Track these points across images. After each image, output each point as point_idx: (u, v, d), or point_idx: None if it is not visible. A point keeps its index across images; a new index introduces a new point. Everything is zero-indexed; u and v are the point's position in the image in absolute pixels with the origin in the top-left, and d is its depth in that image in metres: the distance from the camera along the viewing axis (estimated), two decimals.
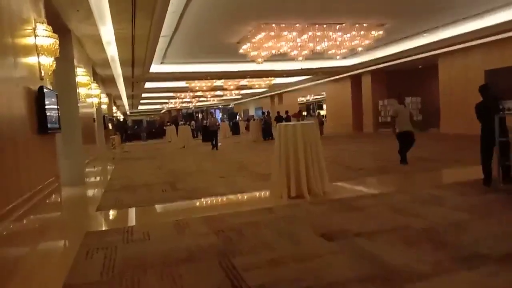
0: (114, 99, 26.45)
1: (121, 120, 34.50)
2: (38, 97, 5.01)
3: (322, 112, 28.64)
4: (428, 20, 13.38)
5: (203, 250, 3.65)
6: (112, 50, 12.60)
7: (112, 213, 5.66)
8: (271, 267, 3.15)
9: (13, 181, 3.82)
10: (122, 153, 18.30)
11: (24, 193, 4.09)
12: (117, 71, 16.08)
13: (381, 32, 12.78)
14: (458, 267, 2.96)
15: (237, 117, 41.73)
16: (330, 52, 14.11)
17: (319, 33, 12.20)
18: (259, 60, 13.81)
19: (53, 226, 4.94)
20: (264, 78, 23.48)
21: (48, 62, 5.42)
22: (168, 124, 31.75)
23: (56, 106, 5.79)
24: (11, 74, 4.18)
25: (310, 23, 11.76)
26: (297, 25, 11.60)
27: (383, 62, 19.13)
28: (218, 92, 30.66)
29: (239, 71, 19.60)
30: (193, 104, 43.43)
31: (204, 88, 24.69)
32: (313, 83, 26.77)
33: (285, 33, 11.81)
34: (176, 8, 9.72)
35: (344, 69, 21.07)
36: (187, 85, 23.57)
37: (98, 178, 9.86)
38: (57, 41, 5.39)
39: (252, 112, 43.43)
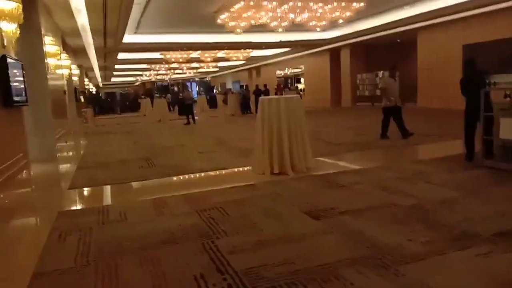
0: (85, 71, 25.44)
1: (94, 92, 33.33)
2: (1, 67, 4.60)
3: (300, 86, 28.45)
4: None
5: (185, 231, 3.46)
6: (82, 18, 11.92)
7: (86, 192, 5.37)
8: (258, 249, 2.99)
9: None
10: (95, 127, 17.69)
11: None
12: (88, 41, 15.32)
13: (362, 4, 12.52)
14: (450, 247, 2.87)
15: (214, 90, 41.05)
16: (310, 24, 13.78)
17: (299, 4, 11.83)
18: (238, 30, 13.36)
19: (22, 206, 4.64)
20: (242, 50, 22.95)
21: (11, 28, 4.96)
22: (143, 97, 30.88)
23: (22, 78, 5.38)
24: None
25: None
26: None
27: (362, 35, 18.93)
28: (195, 64, 29.93)
29: (216, 43, 19.04)
30: (169, 76, 42.40)
31: (180, 60, 23.98)
32: (291, 56, 26.42)
33: (265, 3, 11.40)
34: None
35: (323, 42, 20.79)
36: (162, 56, 22.82)
37: (70, 154, 9.44)
38: (20, 5, 4.92)
39: (229, 85, 42.78)
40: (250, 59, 27.25)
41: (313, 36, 19.61)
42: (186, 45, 19.48)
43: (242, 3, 11.32)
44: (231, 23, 13.00)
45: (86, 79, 27.17)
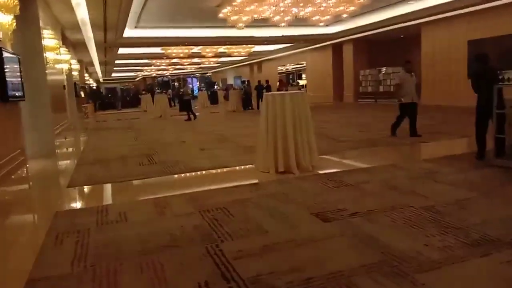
0: (86, 65, 25.23)
1: (94, 88, 33.13)
2: None
3: (302, 82, 28.23)
4: None
5: (187, 234, 3.30)
6: (82, 12, 11.71)
7: (84, 190, 5.20)
8: (265, 254, 2.83)
9: None
10: (96, 122, 17.53)
11: None
12: (89, 35, 15.12)
13: None
14: (469, 253, 2.70)
15: (215, 86, 40.81)
16: (313, 18, 13.56)
17: None
18: (240, 25, 13.14)
19: (19, 205, 4.48)
20: (244, 46, 22.72)
21: (6, 20, 4.77)
22: (144, 92, 30.68)
23: (19, 72, 5.20)
24: None
25: None
26: None
27: (366, 31, 18.71)
28: (196, 60, 29.66)
29: (218, 37, 18.82)
30: (169, 72, 42.16)
31: (181, 55, 23.74)
32: (293, 51, 26.19)
33: None
34: None
35: (326, 37, 20.56)
36: (163, 51, 22.59)
37: (69, 150, 9.27)
38: None
39: (230, 81, 42.53)
40: (251, 55, 27.01)
41: (316, 31, 19.39)
42: (187, 40, 19.26)
43: None
44: (233, 17, 12.78)
45: (86, 74, 26.97)
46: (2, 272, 2.88)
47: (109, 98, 34.96)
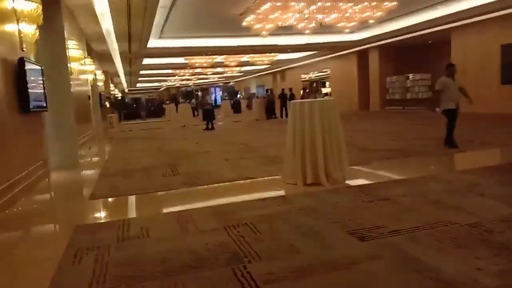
0: (111, 76, 25.62)
1: (119, 98, 33.66)
2: (18, 70, 4.34)
3: (325, 90, 27.86)
4: None
5: (212, 253, 3.05)
6: (107, 23, 11.81)
7: (106, 202, 5.05)
8: (299, 278, 2.55)
9: None
10: (120, 132, 17.66)
11: None
12: (114, 46, 15.28)
13: (394, 3, 11.95)
14: None
15: (238, 95, 40.85)
16: (339, 25, 13.27)
17: (328, 4, 11.35)
18: (264, 33, 12.98)
19: (39, 218, 4.36)
20: (267, 54, 22.59)
21: (30, 30, 4.72)
22: (168, 102, 30.96)
23: (41, 82, 5.13)
24: None
25: None
26: None
27: (392, 37, 18.27)
28: (219, 69, 29.78)
29: (241, 46, 18.75)
30: (193, 81, 42.51)
31: (204, 64, 23.85)
32: (317, 59, 25.90)
33: (293, 3, 10.98)
34: None
35: (351, 43, 20.20)
36: (186, 61, 22.71)
37: (93, 160, 9.24)
38: (40, 6, 4.67)
39: (253, 89, 42.52)
40: (275, 63, 26.87)
41: (341, 38, 19.08)
42: (210, 50, 19.27)
43: (268, 4, 10.93)
44: (257, 26, 12.63)
45: (111, 85, 27.39)
46: None
47: (134, 108, 35.44)
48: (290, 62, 28.58)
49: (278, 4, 10.95)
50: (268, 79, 37.23)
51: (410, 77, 20.11)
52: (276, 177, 5.67)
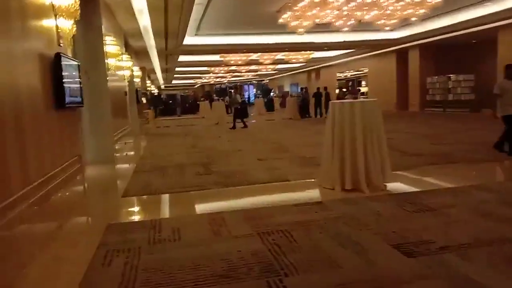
0: (148, 72, 26.04)
1: (155, 94, 34.22)
2: (54, 65, 4.32)
3: (362, 89, 27.17)
4: None
5: (245, 261, 2.88)
6: (144, 20, 11.90)
7: (139, 200, 4.99)
8: None
9: (16, 167, 3.17)
10: (156, 128, 17.87)
11: (33, 180, 3.44)
12: (151, 42, 15.44)
13: (439, 0, 11.35)
14: None
15: (272, 93, 40.62)
16: (378, 22, 12.79)
17: (368, 0, 10.94)
18: (300, 30, 12.69)
19: (73, 215, 4.34)
20: (303, 52, 22.23)
21: (67, 25, 4.70)
22: (202, 99, 31.18)
23: (78, 77, 5.12)
24: (17, 35, 3.47)
25: None
26: None
27: (434, 35, 17.47)
28: (253, 67, 29.64)
29: (276, 44, 18.50)
30: (227, 79, 42.65)
31: (239, 62, 23.76)
32: (353, 57, 25.25)
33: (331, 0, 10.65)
34: None
35: (391, 42, 19.51)
36: (221, 59, 22.71)
37: (128, 156, 9.31)
38: (77, 1, 4.64)
39: (287, 88, 42.16)
40: (310, 61, 26.46)
41: (379, 36, 18.47)
42: (246, 47, 19.15)
43: (306, 1, 10.65)
44: (294, 23, 12.36)
45: (148, 81, 27.86)
46: None
47: (169, 105, 35.91)
48: (326, 61, 28.05)
49: (316, 0, 10.65)
50: (302, 77, 36.77)
51: (452, 77, 19.23)
52: (312, 180, 5.44)
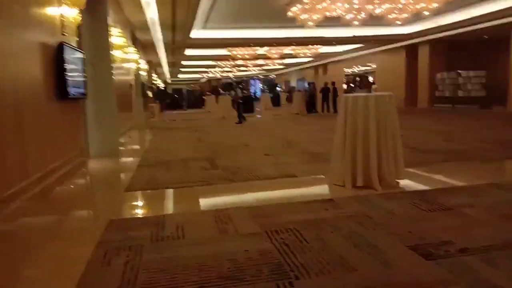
0: (154, 66, 25.91)
1: (162, 88, 34.11)
2: (57, 55, 4.17)
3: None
4: None
5: (253, 262, 2.71)
6: (151, 12, 11.73)
7: (142, 195, 4.84)
8: None
9: (15, 159, 3.02)
10: (161, 122, 17.75)
11: (32, 173, 3.30)
12: (158, 35, 15.28)
13: None
14: None
15: (278, 88, 40.36)
16: (390, 16, 12.51)
17: None
18: (310, 23, 12.45)
19: (74, 209, 4.19)
20: (310, 46, 21.96)
21: (71, 14, 4.54)
22: (208, 93, 31.04)
23: (81, 68, 4.97)
24: (18, 23, 3.32)
25: None
26: None
27: (444, 31, 17.14)
28: (260, 62, 29.41)
29: (285, 38, 18.27)
30: (234, 73, 42.42)
31: (246, 56, 23.54)
32: (362, 52, 24.96)
33: None
34: None
35: (400, 37, 19.21)
36: (228, 53, 22.50)
37: (133, 149, 9.17)
38: None
39: (293, 83, 41.88)
40: (317, 56, 26.17)
41: (389, 31, 18.17)
42: (253, 41, 18.93)
43: None
44: (303, 16, 12.13)
45: (154, 75, 27.73)
46: None
47: (176, 99, 35.80)
48: (333, 56, 27.75)
49: None
50: (309, 72, 36.47)
51: (462, 73, 18.89)
52: (321, 176, 5.26)
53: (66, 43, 4.32)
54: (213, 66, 33.56)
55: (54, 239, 3.41)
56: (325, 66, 32.81)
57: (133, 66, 11.56)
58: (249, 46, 20.66)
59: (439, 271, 2.51)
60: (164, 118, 20.84)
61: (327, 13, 11.66)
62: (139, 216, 4.10)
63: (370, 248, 2.88)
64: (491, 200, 3.98)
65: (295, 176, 5.42)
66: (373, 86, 25.59)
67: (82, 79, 4.91)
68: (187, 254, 2.90)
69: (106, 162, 7.12)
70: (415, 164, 5.71)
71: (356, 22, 12.43)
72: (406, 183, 4.68)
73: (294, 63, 32.83)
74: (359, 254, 2.79)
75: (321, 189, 4.78)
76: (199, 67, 35.04)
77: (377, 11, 11.60)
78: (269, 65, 33.15)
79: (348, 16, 12.12)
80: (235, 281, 2.45)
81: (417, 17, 14.40)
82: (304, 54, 23.90)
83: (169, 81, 46.47)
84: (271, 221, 3.55)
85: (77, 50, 4.85)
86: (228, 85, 47.01)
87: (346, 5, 11.28)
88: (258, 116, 20.41)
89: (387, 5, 11.40)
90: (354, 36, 18.28)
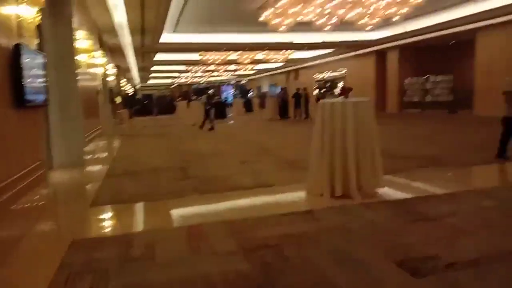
0: (123, 71, 25.26)
1: (131, 94, 33.30)
2: (13, 58, 3.82)
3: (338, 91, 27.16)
4: None
5: (231, 285, 2.49)
6: (120, 15, 11.33)
7: (109, 211, 4.50)
8: None
9: None
10: (130, 129, 17.22)
11: None
12: (126, 39, 14.82)
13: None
14: None
15: (250, 93, 40.29)
16: (360, 22, 12.59)
17: None
18: (282, 28, 12.36)
19: (32, 229, 3.82)
20: (282, 52, 21.96)
21: (30, 14, 4.19)
22: (179, 99, 30.54)
23: (42, 73, 4.61)
24: None
25: None
26: None
27: (413, 36, 17.49)
28: (232, 67, 29.23)
29: (257, 43, 18.16)
30: (205, 79, 42.04)
31: (218, 61, 23.27)
32: (332, 58, 25.18)
33: None
34: None
35: (370, 42, 19.48)
36: (200, 57, 22.17)
37: (99, 159, 8.72)
38: None
39: (265, 88, 41.91)
40: (289, 61, 26.23)
41: (359, 36, 18.40)
42: (225, 45, 18.71)
43: None
44: (275, 20, 12.02)
45: (123, 80, 27.01)
46: None
47: (146, 105, 35.03)
48: (305, 61, 27.91)
49: None
50: (281, 78, 36.58)
51: (430, 78, 19.33)
52: (298, 185, 5.08)
53: (23, 45, 3.97)
54: (185, 71, 33.09)
55: (9, 262, 3.06)
56: (296, 71, 32.97)
57: (100, 71, 11.10)
58: (221, 50, 20.43)
59: None
60: (134, 124, 20.28)
61: (299, 18, 11.60)
62: (105, 234, 3.78)
63: (355, 264, 2.71)
64: (471, 207, 3.91)
65: (272, 185, 5.22)
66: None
67: (42, 84, 4.55)
68: (157, 278, 2.65)
69: (71, 173, 6.70)
70: (391, 171, 5.59)
71: (327, 28, 12.43)
72: (384, 191, 4.56)
73: (266, 68, 32.83)
74: (343, 272, 2.61)
75: (299, 199, 4.60)
76: (170, 72, 34.48)
77: (349, 15, 11.63)
78: (241, 71, 33.01)
79: (320, 21, 12.11)
80: None
81: (386, 22, 14.62)
82: (276, 60, 23.88)
83: (139, 86, 45.52)
84: (249, 236, 3.34)
85: (37, 54, 4.49)
86: (200, 91, 46.60)
87: (318, 10, 11.24)
88: (231, 121, 20.17)
89: (358, 10, 11.44)
90: (324, 42, 18.38)
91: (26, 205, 3.91)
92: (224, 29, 16.39)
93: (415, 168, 5.94)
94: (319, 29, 13.09)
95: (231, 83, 50.83)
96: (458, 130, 11.06)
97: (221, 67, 28.16)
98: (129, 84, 34.91)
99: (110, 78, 15.68)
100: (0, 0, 3.73)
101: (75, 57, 7.47)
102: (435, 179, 5.33)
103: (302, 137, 10.91)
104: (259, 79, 43.80)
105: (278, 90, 31.83)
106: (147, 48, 17.68)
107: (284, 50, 21.63)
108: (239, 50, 21.15)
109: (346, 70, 25.76)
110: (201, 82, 46.69)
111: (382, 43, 19.52)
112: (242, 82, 49.85)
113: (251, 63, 25.81)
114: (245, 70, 32.34)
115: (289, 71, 34.11)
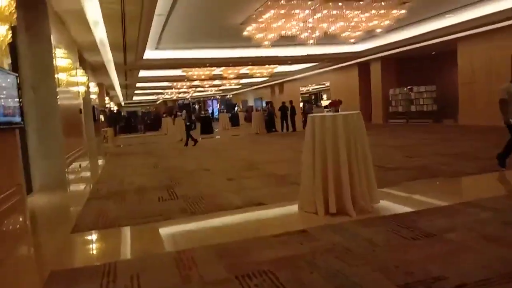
0: (106, 89, 24.90)
1: (115, 111, 32.88)
2: None
3: (324, 103, 27.27)
4: None
5: None
6: (100, 32, 11.12)
7: (91, 238, 4.23)
8: None
9: None
10: (115, 147, 16.87)
11: None
12: (108, 56, 14.58)
13: (403, 11, 11.33)
14: None
15: (236, 108, 40.24)
16: (343, 35, 12.65)
17: (334, 12, 10.73)
18: (266, 43, 12.33)
19: (8, 261, 3.54)
20: (266, 66, 21.98)
21: (0, 31, 3.98)
22: (164, 115, 30.25)
23: (16, 93, 4.38)
24: None
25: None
26: (310, 1, 10.11)
27: (395, 48, 17.67)
28: (217, 82, 29.15)
29: (241, 58, 18.11)
30: (190, 94, 41.87)
31: (202, 77, 23.18)
32: (317, 71, 25.33)
33: (297, 11, 10.35)
34: None
35: (353, 55, 19.62)
36: (184, 73, 22.03)
37: (82, 180, 8.41)
38: (13, 3, 3.94)
39: (251, 102, 41.97)
40: (273, 75, 26.28)
41: (342, 49, 18.52)
42: (209, 61, 18.60)
43: (272, 11, 10.29)
44: (258, 35, 11.98)
45: (107, 98, 26.62)
46: None
47: (130, 122, 34.66)
48: (289, 75, 28.02)
49: (282, 11, 10.31)
50: (266, 92, 36.67)
51: (414, 89, 19.53)
52: (289, 202, 4.90)
53: None
54: (169, 88, 32.87)
55: None
56: (281, 85, 33.07)
57: (82, 89, 10.82)
58: (205, 66, 20.32)
59: None
60: (119, 142, 19.91)
61: (283, 32, 11.57)
62: (87, 263, 3.51)
63: None
64: (471, 221, 3.78)
65: (262, 204, 5.02)
66: (325, 104, 25.99)
67: (16, 105, 4.32)
68: None
69: (51, 197, 6.40)
70: (384, 184, 5.47)
71: (311, 41, 12.43)
72: (380, 205, 4.42)
73: (251, 82, 32.85)
74: None
75: (292, 218, 4.41)
76: (154, 89, 34.20)
77: (331, 29, 11.65)
78: (226, 85, 32.95)
79: (303, 35, 12.11)
80: None
81: (368, 34, 14.72)
82: (261, 74, 23.89)
83: (123, 103, 45.06)
84: (241, 261, 3.13)
85: (8, 73, 4.27)
86: (185, 106, 46.37)
87: (301, 24, 11.24)
88: (217, 136, 19.97)
89: (341, 23, 11.48)
90: (308, 55, 18.44)
91: (0, 235, 3.63)
92: (207, 45, 16.31)
93: (407, 180, 5.82)
94: (303, 43, 13.10)
95: (216, 97, 50.75)
96: (443, 139, 11.05)
97: (206, 82, 28.05)
98: (113, 102, 34.49)
99: (92, 96, 15.37)
100: None
101: (55, 76, 7.22)
102: (429, 191, 5.21)
103: (289, 150, 10.80)
104: (244, 93, 43.85)
105: (263, 103, 31.89)
106: (130, 65, 17.46)
107: (268, 65, 21.64)
108: (222, 66, 21.09)
109: (330, 82, 25.92)
110: (187, 97, 46.50)
111: (365, 55, 19.69)
112: (228, 96, 49.83)
113: (236, 78, 25.76)
114: (230, 84, 32.28)
115: (274, 85, 34.21)
